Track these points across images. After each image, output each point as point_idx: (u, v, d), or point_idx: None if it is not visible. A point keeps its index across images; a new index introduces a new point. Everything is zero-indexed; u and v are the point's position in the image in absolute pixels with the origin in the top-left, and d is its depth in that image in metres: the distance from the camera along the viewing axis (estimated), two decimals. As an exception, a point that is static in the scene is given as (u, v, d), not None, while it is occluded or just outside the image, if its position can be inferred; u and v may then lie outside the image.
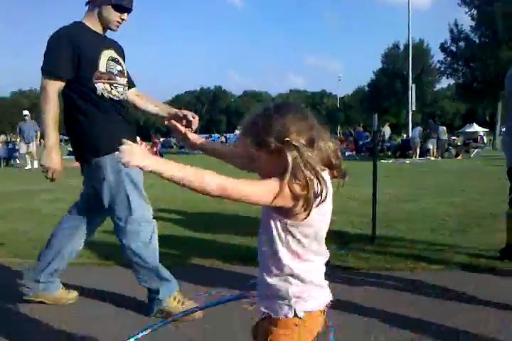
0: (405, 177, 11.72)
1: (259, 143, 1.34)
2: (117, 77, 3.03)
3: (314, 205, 1.32)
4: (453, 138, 23.56)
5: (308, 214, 1.34)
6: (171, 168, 1.26)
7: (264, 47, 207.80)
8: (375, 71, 57.43)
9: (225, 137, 34.34)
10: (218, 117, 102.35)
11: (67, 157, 20.62)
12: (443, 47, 30.13)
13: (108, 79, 2.94)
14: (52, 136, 2.83)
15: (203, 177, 1.28)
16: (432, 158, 19.02)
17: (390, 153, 22.57)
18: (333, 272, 3.86)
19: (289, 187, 1.29)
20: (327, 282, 1.53)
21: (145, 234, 2.99)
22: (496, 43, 26.32)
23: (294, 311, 1.41)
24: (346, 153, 21.89)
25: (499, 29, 25.65)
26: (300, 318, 1.41)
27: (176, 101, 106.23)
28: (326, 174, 1.40)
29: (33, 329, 2.92)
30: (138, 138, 16.32)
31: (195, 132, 2.22)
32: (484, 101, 33.60)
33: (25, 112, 17.77)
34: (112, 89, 2.96)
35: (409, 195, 8.41)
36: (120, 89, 3.05)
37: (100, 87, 2.89)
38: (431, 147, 19.54)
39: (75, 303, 3.31)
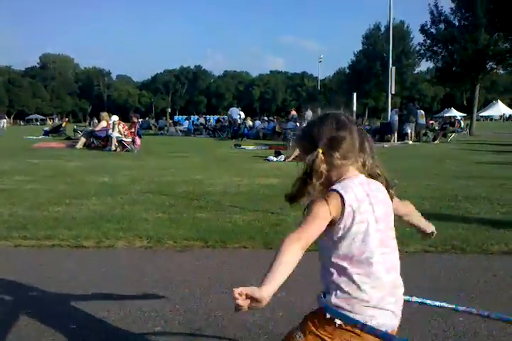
0: (383, 161, 11.78)
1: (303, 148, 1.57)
2: None
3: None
4: (431, 122, 23.77)
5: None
6: (276, 283, 1.37)
7: (244, 26, 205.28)
8: (356, 53, 57.27)
9: (205, 118, 34.03)
10: (198, 98, 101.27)
11: (42, 136, 20.22)
12: (423, 29, 30.11)
13: None
14: None
15: (293, 265, 1.42)
16: (410, 142, 19.21)
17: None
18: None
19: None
20: (395, 309, 1.52)
21: None
22: (475, 26, 26.43)
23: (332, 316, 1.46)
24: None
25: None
26: (335, 326, 1.46)
27: (155, 81, 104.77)
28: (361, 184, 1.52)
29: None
30: (116, 118, 16.08)
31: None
32: (463, 86, 33.89)
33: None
34: None
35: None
36: None
37: None
38: (409, 131, 19.71)
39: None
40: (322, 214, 1.44)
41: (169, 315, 2.90)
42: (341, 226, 1.47)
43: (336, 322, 1.46)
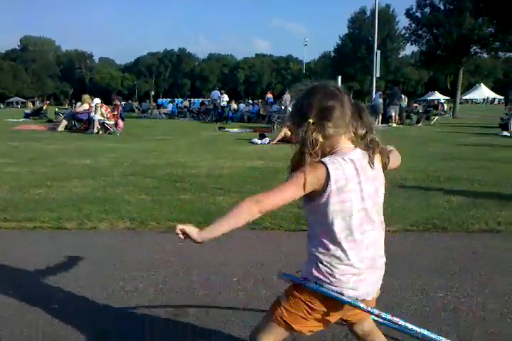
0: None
1: (295, 123, 1.55)
2: None
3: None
4: (415, 105, 23.85)
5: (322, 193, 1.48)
6: (219, 228, 1.52)
7: (230, 9, 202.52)
8: (342, 36, 57.01)
9: (190, 101, 33.70)
10: (182, 81, 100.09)
11: (23, 119, 19.81)
12: (408, 13, 30.07)
13: None
14: None
15: (244, 216, 1.49)
16: (394, 125, 19.28)
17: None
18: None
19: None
20: (373, 280, 1.60)
21: None
22: (460, 11, 26.42)
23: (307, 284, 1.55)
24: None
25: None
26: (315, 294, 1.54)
27: (139, 64, 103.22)
28: (354, 153, 1.52)
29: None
30: (99, 101, 15.83)
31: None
32: (447, 69, 34.00)
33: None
34: None
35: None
36: None
37: None
38: (393, 114, 19.77)
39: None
40: (296, 184, 1.45)
41: (152, 295, 2.90)
42: (322, 202, 1.48)
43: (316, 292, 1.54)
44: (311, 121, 1.47)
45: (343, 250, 1.51)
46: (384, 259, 1.65)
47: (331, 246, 1.52)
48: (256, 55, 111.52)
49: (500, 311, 2.66)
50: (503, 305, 2.74)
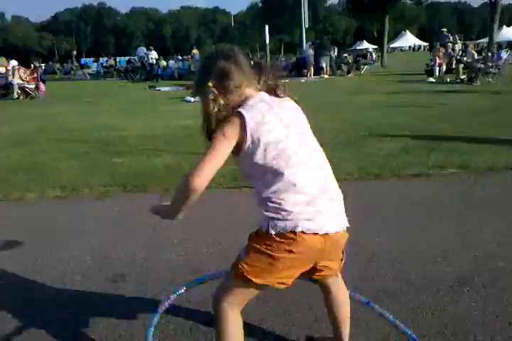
0: (300, 96, 11.86)
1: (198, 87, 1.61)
2: None
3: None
4: (345, 55, 24.00)
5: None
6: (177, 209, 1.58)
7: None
8: (268, -16, 55.69)
9: (115, 60, 32.05)
10: (105, 38, 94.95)
11: None
12: (334, -40, 29.75)
13: None
14: None
15: (192, 196, 1.47)
16: (326, 76, 19.40)
17: (286, 72, 22.63)
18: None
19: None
20: (330, 208, 1.57)
21: None
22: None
23: (268, 227, 1.51)
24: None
25: None
26: (272, 237, 1.50)
27: (56, 21, 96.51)
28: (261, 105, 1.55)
29: None
30: (16, 63, 14.75)
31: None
32: (373, 17, 34.26)
33: None
34: None
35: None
36: None
37: None
38: (324, 65, 19.83)
39: None
40: (222, 142, 1.48)
41: (90, 263, 2.81)
42: (249, 142, 1.49)
43: (270, 233, 1.50)
44: (210, 84, 1.55)
45: (287, 177, 1.49)
46: (340, 192, 1.63)
47: (274, 180, 1.49)
48: (182, 7, 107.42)
49: (431, 251, 2.80)
50: (433, 245, 2.89)
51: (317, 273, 1.70)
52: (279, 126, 1.53)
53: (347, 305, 1.84)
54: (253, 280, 1.53)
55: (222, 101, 1.53)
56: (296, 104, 1.69)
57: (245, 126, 1.48)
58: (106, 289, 2.50)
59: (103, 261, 2.83)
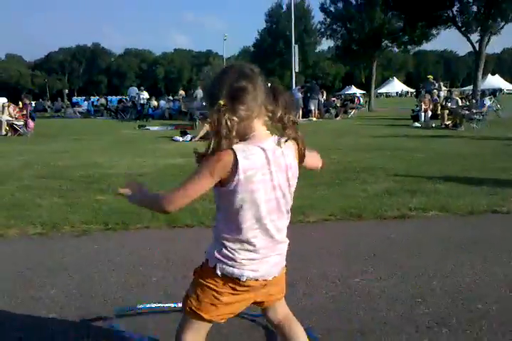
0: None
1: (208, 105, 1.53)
2: None
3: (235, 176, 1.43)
4: (333, 99, 24.59)
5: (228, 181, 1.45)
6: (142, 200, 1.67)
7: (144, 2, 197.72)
8: (260, 31, 57.58)
9: (106, 99, 32.49)
10: (98, 78, 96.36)
11: None
12: (323, 8, 30.90)
13: None
14: None
15: (159, 208, 1.55)
16: (314, 119, 19.77)
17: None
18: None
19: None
20: (276, 260, 1.62)
21: None
22: (370, 5, 27.51)
23: (216, 267, 1.54)
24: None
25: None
26: (218, 276, 1.55)
27: (50, 60, 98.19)
28: (268, 142, 1.49)
29: None
30: (5, 100, 14.89)
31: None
32: (361, 63, 35.39)
33: None
34: None
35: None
36: None
37: None
38: (312, 108, 20.26)
39: None
40: (206, 174, 1.44)
41: (65, 301, 2.75)
42: (230, 189, 1.46)
43: (216, 272, 1.54)
44: (221, 102, 1.40)
45: (248, 238, 1.52)
46: (287, 243, 1.66)
47: (236, 232, 1.52)
48: (175, 50, 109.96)
49: (411, 292, 2.79)
50: (412, 286, 2.88)
51: (260, 304, 1.74)
52: (267, 188, 1.49)
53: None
54: (202, 315, 1.57)
55: (230, 124, 1.40)
56: (294, 148, 1.58)
57: (235, 173, 1.42)
58: (80, 328, 2.44)
59: (78, 300, 2.77)
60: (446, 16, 23.75)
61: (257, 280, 1.56)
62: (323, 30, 33.03)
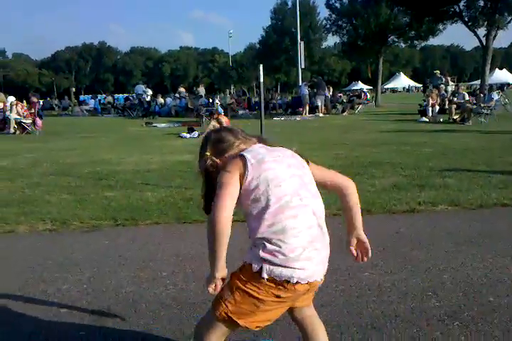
0: (295, 133, 12.07)
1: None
2: None
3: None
4: (339, 95, 24.49)
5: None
6: (222, 256, 1.52)
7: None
8: (265, 28, 57.34)
9: (113, 97, 32.54)
10: (104, 76, 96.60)
11: None
12: (328, 4, 30.73)
13: None
14: None
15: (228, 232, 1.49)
16: (321, 115, 19.71)
17: (281, 111, 23.04)
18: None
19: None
20: (320, 257, 1.57)
21: None
22: (376, 1, 27.33)
23: (262, 270, 1.48)
24: (240, 112, 21.97)
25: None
26: (262, 282, 1.49)
27: (56, 59, 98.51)
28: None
29: None
30: (13, 98, 14.97)
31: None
32: (367, 59, 35.18)
33: None
34: None
35: (299, 150, 8.68)
36: None
37: None
38: (319, 104, 20.20)
39: None
40: (228, 178, 1.51)
41: (76, 296, 2.77)
42: (250, 178, 1.51)
43: (263, 276, 1.47)
44: (208, 154, 1.67)
45: (287, 218, 1.49)
46: (328, 238, 1.63)
47: (274, 219, 1.48)
48: (180, 47, 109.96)
49: (421, 286, 2.78)
50: (423, 280, 2.87)
51: (290, 308, 1.71)
52: (281, 166, 1.58)
53: (324, 336, 1.81)
54: (236, 320, 1.52)
55: (218, 162, 1.65)
56: (292, 152, 1.72)
57: (246, 164, 1.53)
58: (92, 322, 2.45)
59: (90, 294, 2.79)
60: (453, 11, 23.57)
61: (305, 283, 1.50)
62: (328, 26, 32.87)
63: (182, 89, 26.04)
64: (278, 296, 1.49)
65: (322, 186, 1.72)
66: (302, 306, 1.73)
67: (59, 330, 2.39)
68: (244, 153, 1.57)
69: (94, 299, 2.72)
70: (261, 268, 1.47)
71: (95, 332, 2.35)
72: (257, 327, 1.56)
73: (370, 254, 1.75)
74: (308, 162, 1.70)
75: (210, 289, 1.54)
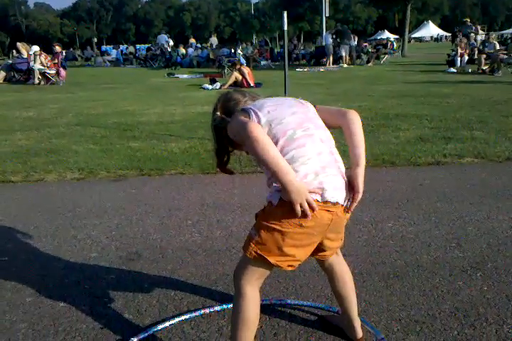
0: (319, 85, 11.84)
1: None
2: None
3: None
4: (364, 44, 23.70)
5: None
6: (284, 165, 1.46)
7: None
8: (289, -26, 55.04)
9: (135, 47, 32.11)
10: (125, 26, 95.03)
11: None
12: None
13: None
14: None
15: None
16: (345, 65, 19.19)
17: (305, 62, 22.50)
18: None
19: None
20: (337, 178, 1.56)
21: None
22: None
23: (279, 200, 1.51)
24: (262, 62, 21.53)
25: None
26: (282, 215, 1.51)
27: (77, 8, 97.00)
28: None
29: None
30: (37, 48, 14.88)
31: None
32: (394, 6, 33.70)
33: None
34: None
35: (322, 101, 8.54)
36: None
37: None
38: (343, 54, 19.62)
39: None
40: (242, 118, 1.58)
41: (105, 241, 2.87)
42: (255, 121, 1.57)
43: (282, 207, 1.49)
44: (218, 113, 1.78)
45: (295, 148, 1.51)
46: (343, 167, 1.62)
47: (282, 152, 1.49)
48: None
49: (445, 237, 2.79)
50: (447, 231, 2.88)
51: (320, 254, 1.73)
52: (283, 107, 1.66)
53: (351, 282, 1.84)
54: (266, 257, 1.55)
55: (227, 120, 1.68)
56: (297, 99, 1.78)
57: (249, 112, 1.60)
58: (121, 266, 2.55)
59: (118, 241, 2.88)
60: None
61: (325, 202, 1.49)
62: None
63: (192, 40, 25.49)
64: (301, 225, 1.51)
65: (331, 126, 1.72)
66: (331, 247, 1.72)
67: (90, 273, 2.49)
68: (247, 106, 1.67)
69: (123, 245, 2.82)
70: (280, 199, 1.50)
71: (125, 276, 2.44)
72: (289, 266, 1.59)
73: (354, 203, 1.63)
74: (315, 106, 1.77)
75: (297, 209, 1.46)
